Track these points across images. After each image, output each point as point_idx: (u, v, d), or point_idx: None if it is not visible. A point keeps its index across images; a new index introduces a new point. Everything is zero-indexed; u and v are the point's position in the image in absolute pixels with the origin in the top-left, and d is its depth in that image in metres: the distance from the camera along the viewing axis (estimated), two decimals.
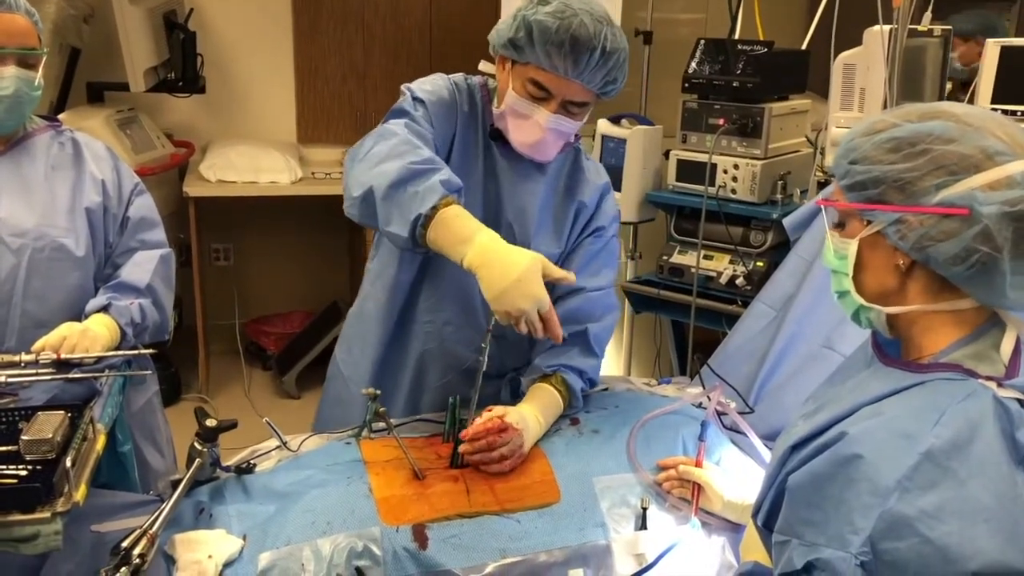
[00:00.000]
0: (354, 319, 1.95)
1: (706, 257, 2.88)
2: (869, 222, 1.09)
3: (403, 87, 1.73)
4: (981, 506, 0.94)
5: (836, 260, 1.14)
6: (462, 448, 1.52)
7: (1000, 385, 1.02)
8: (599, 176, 1.84)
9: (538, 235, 1.77)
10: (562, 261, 1.81)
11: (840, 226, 1.14)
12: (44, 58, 1.80)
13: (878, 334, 1.18)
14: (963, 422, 0.98)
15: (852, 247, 1.11)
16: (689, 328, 2.89)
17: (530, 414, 1.60)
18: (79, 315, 1.80)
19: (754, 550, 1.24)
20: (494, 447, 1.52)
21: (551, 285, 1.75)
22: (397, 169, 1.47)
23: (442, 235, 1.45)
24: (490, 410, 1.58)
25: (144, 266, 1.90)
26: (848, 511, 0.98)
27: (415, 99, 1.68)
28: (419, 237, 1.45)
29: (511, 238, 1.74)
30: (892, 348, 1.17)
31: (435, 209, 1.44)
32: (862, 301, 1.13)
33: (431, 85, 1.72)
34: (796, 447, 1.11)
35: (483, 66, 1.79)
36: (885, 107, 2.34)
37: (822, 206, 1.19)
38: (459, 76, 1.78)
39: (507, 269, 1.43)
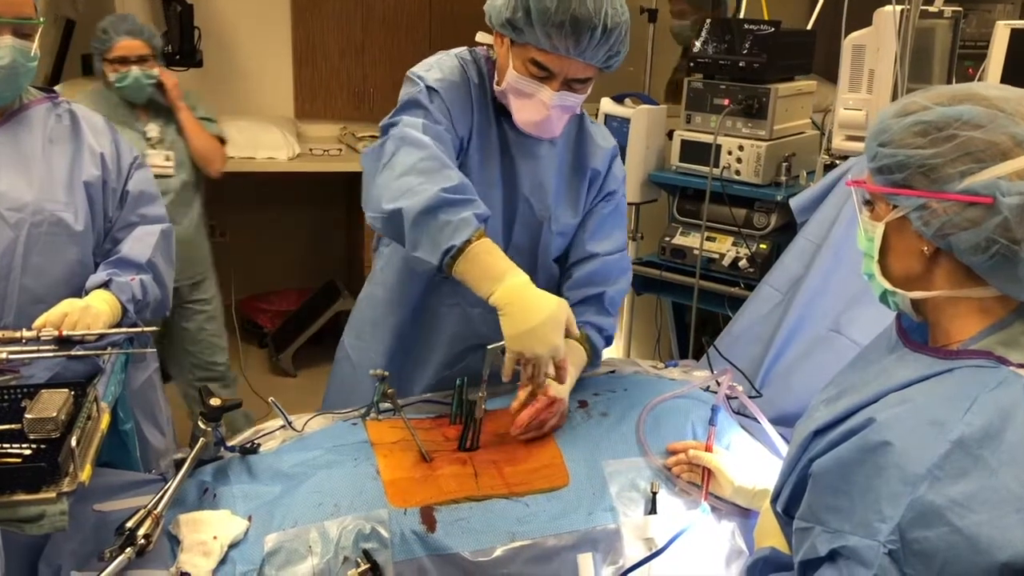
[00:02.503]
0: (364, 304, 1.92)
1: (709, 239, 2.85)
2: (895, 206, 1.07)
3: (411, 74, 1.67)
4: (1013, 496, 0.92)
5: (865, 242, 1.13)
6: (513, 431, 1.53)
7: None
8: (607, 141, 1.83)
9: (556, 207, 1.77)
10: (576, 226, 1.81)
11: (871, 207, 1.12)
12: (40, 28, 1.76)
13: (903, 319, 1.17)
14: (995, 410, 0.96)
15: (879, 230, 1.09)
16: (691, 310, 2.87)
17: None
18: (78, 290, 1.78)
19: (770, 536, 1.23)
20: (546, 423, 1.55)
21: (566, 253, 1.79)
22: (429, 196, 1.45)
23: (472, 269, 1.45)
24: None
25: (145, 241, 1.88)
26: (876, 499, 0.97)
27: (429, 88, 1.63)
28: (445, 267, 1.45)
29: (529, 212, 1.73)
30: (918, 333, 1.15)
31: (467, 242, 1.44)
32: (887, 285, 1.11)
33: (440, 71, 1.66)
34: (819, 432, 1.09)
35: (480, 36, 1.75)
36: (895, 88, 2.32)
37: (848, 187, 1.17)
38: (463, 50, 1.74)
39: (531, 313, 1.42)
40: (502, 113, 1.70)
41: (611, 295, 1.79)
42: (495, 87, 1.67)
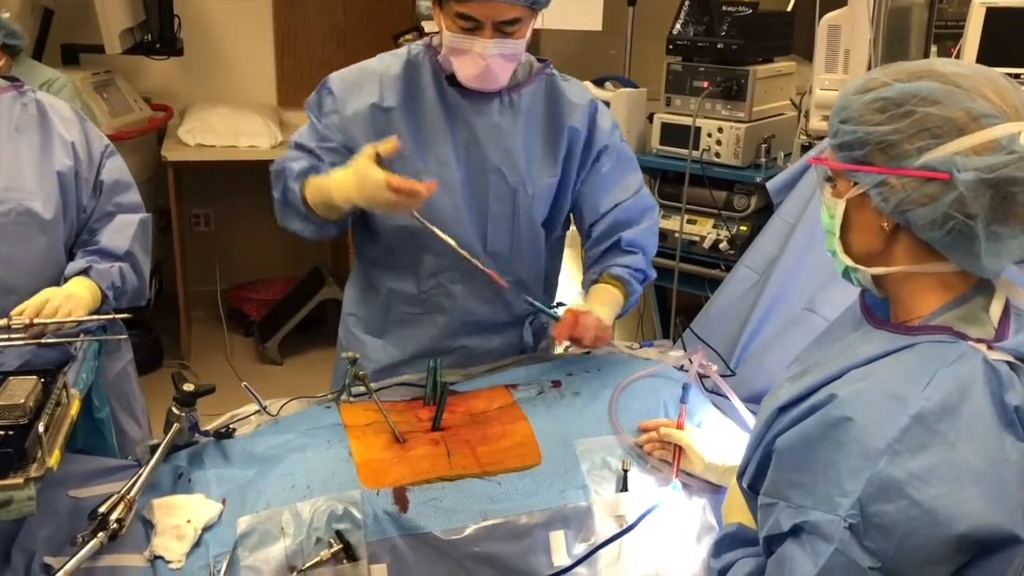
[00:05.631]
0: (348, 298, 1.94)
1: (689, 221, 2.86)
2: (856, 183, 1.07)
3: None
4: (970, 469, 0.94)
5: (827, 219, 1.13)
6: (555, 332, 1.69)
7: (990, 347, 1.01)
8: (582, 96, 1.81)
9: (530, 170, 1.76)
10: (573, 191, 1.83)
11: (832, 184, 1.13)
12: None
13: (867, 296, 1.18)
14: (953, 385, 0.97)
15: (840, 207, 1.10)
16: (672, 292, 2.88)
17: (599, 308, 1.73)
18: (47, 279, 1.76)
19: (737, 512, 1.24)
20: (582, 340, 1.69)
21: (583, 216, 1.85)
22: (276, 197, 1.77)
23: (321, 205, 1.67)
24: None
25: (124, 232, 1.87)
26: (837, 474, 0.98)
27: (324, 88, 1.75)
28: (318, 222, 1.71)
29: (502, 181, 1.75)
30: (881, 310, 1.16)
31: (302, 196, 1.68)
32: (848, 261, 1.12)
33: (347, 72, 1.76)
34: (783, 409, 1.10)
35: (428, 26, 1.79)
36: (869, 68, 2.32)
37: (812, 165, 1.18)
38: (401, 50, 1.78)
39: (346, 186, 1.60)
40: (455, 87, 1.71)
41: (628, 238, 1.82)
42: (440, 58, 1.69)
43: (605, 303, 1.75)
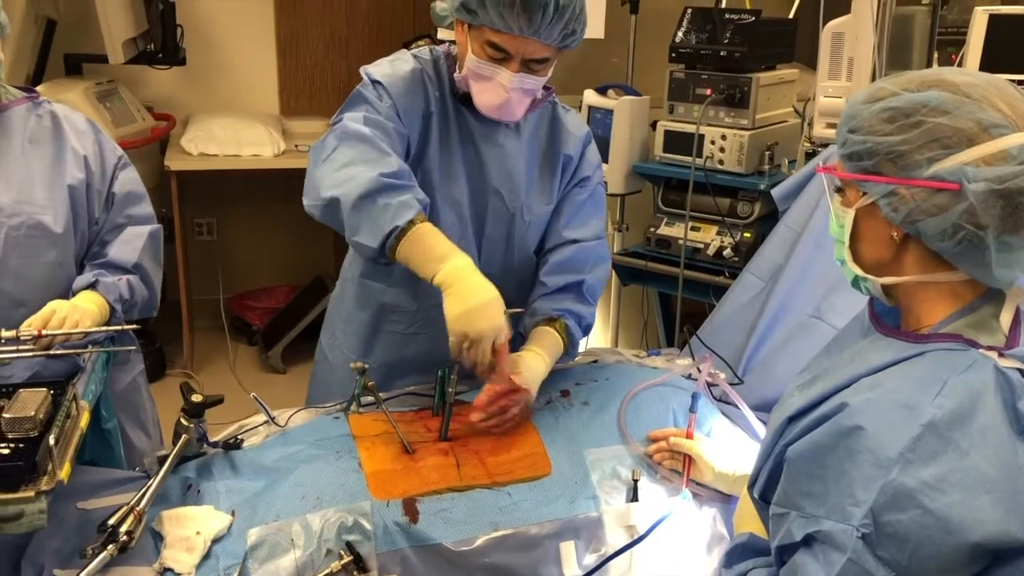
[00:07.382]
0: (336, 301, 1.93)
1: (693, 229, 2.86)
2: (865, 192, 1.07)
3: (361, 70, 1.69)
4: (983, 477, 0.94)
5: (837, 228, 1.13)
6: (473, 417, 1.53)
7: (1001, 355, 1.01)
8: (580, 127, 1.83)
9: (528, 195, 1.76)
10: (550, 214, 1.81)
11: (842, 194, 1.13)
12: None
13: (876, 304, 1.18)
14: (965, 393, 0.97)
15: (849, 217, 1.10)
16: (676, 300, 2.88)
17: (536, 359, 1.62)
18: (58, 293, 1.75)
19: (748, 522, 1.23)
20: (507, 410, 1.53)
21: (544, 238, 1.80)
22: (368, 180, 1.47)
23: (415, 251, 1.46)
24: None
25: (132, 244, 1.86)
26: (849, 483, 0.98)
27: (373, 82, 1.65)
28: (388, 249, 1.47)
29: (501, 204, 1.73)
30: (890, 318, 1.16)
31: (411, 223, 1.46)
32: (858, 271, 1.12)
33: (390, 66, 1.69)
34: (794, 418, 1.10)
35: (441, 34, 1.76)
36: (873, 76, 2.33)
37: (819, 173, 1.18)
38: (423, 49, 1.75)
39: (474, 292, 1.44)
40: (465, 105, 1.70)
41: (590, 283, 1.77)
42: (456, 75, 1.67)
43: (549, 353, 1.66)
